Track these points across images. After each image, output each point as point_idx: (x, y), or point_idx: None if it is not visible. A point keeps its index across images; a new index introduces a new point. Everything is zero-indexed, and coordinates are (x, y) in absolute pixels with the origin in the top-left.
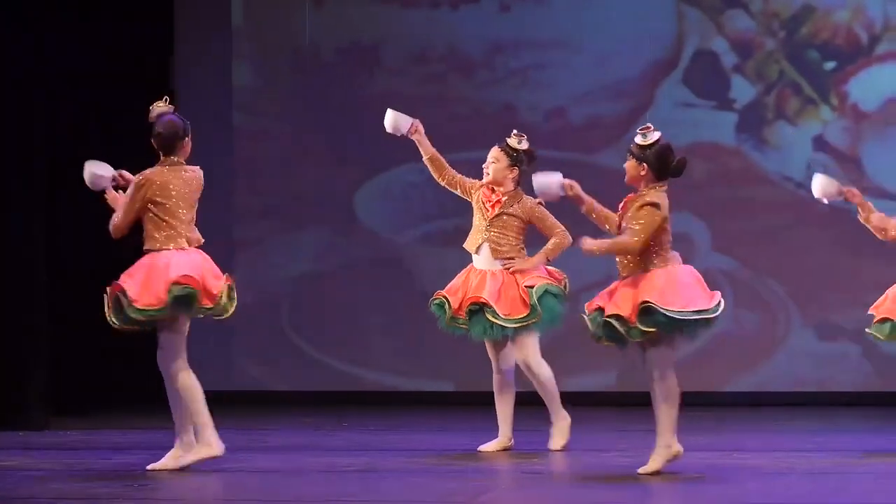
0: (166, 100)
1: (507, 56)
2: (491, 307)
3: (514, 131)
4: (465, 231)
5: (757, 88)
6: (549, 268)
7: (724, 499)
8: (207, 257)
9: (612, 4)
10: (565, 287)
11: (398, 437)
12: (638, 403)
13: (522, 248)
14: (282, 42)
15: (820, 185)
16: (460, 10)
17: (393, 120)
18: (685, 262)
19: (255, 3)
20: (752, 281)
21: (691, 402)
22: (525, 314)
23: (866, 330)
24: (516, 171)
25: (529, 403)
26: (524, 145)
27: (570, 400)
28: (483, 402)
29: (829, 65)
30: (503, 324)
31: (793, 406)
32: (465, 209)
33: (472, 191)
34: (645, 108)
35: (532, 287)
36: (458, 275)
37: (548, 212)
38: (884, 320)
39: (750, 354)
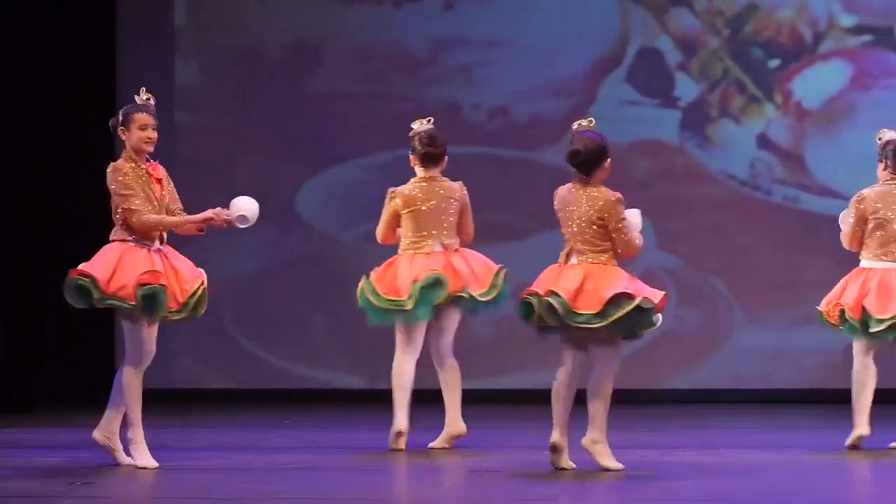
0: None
1: (451, 54)
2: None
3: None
4: None
5: (701, 86)
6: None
7: (662, 495)
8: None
9: (556, 2)
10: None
11: (340, 435)
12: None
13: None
14: (225, 40)
15: None
16: (403, 7)
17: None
18: (628, 260)
19: (198, 1)
20: (695, 279)
21: (635, 400)
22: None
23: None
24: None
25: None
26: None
27: (518, 398)
28: (427, 399)
29: (774, 63)
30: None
31: (736, 403)
32: None
33: None
34: (588, 105)
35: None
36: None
37: None
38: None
39: (693, 352)
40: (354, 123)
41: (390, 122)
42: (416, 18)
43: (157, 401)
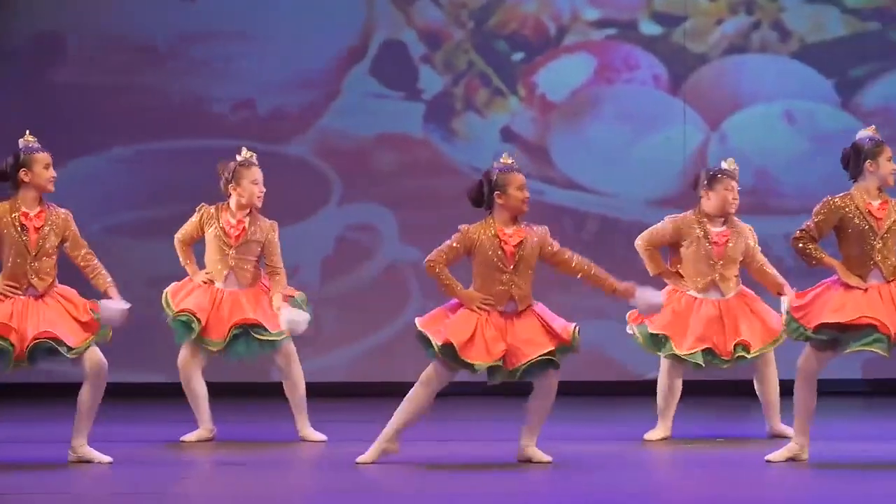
0: None
1: (196, 47)
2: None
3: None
4: (155, 222)
5: (445, 79)
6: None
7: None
8: None
9: None
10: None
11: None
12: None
13: None
14: None
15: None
16: None
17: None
18: (372, 252)
19: None
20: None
21: (363, 394)
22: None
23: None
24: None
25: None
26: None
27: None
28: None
29: (518, 56)
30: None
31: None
32: (152, 202)
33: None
34: (333, 98)
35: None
36: None
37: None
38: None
39: None
40: (101, 115)
41: (136, 114)
42: (161, 10)
43: None
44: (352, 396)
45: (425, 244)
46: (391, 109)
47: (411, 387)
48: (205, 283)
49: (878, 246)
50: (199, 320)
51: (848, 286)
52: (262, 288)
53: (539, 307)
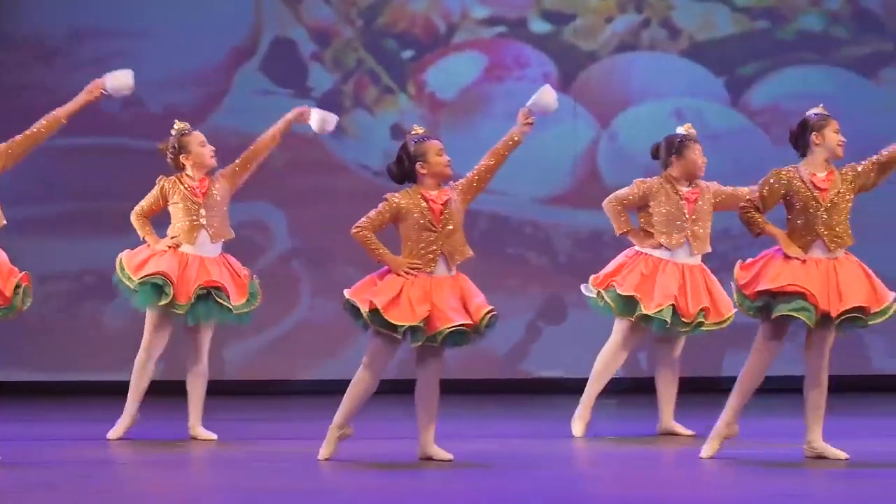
0: None
1: (85, 45)
2: None
3: None
4: (45, 220)
5: (335, 77)
6: None
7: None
8: None
9: None
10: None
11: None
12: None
13: None
14: None
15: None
16: None
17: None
18: (263, 250)
19: None
20: (329, 269)
21: (269, 391)
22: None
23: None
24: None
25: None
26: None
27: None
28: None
29: (407, 54)
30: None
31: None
32: (44, 200)
33: None
34: (223, 95)
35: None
36: None
37: None
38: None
39: (328, 342)
40: None
41: (25, 113)
42: (50, 6)
43: None
44: (245, 394)
45: (316, 242)
46: (281, 107)
47: (304, 383)
48: (170, 247)
49: (822, 217)
50: (171, 283)
51: (788, 257)
52: (227, 259)
53: (463, 278)
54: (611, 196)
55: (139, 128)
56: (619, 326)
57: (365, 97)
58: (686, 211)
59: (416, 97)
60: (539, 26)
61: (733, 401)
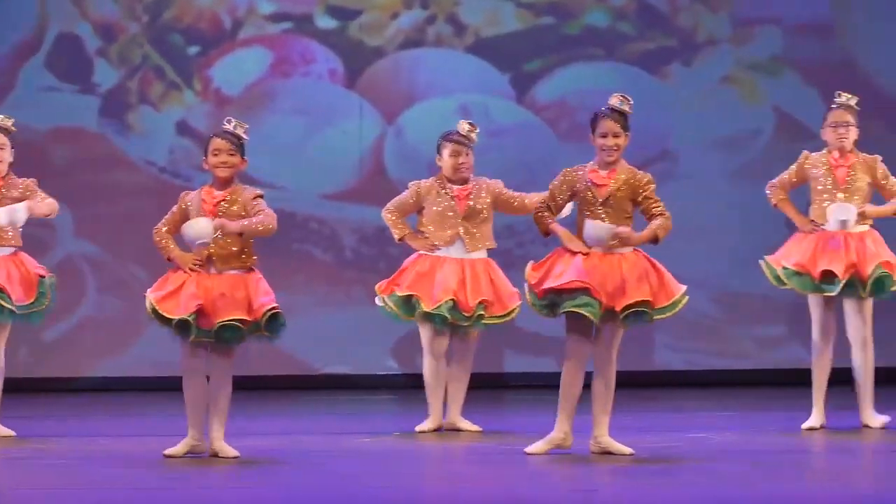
0: None
1: None
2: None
3: None
4: None
5: (120, 73)
6: None
7: None
8: None
9: None
10: None
11: None
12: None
13: None
14: None
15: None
16: None
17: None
18: (48, 247)
19: None
20: (114, 266)
21: (58, 388)
22: None
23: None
24: None
25: None
26: None
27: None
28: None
29: (193, 49)
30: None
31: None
32: None
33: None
34: (8, 91)
35: None
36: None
37: None
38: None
39: (114, 339)
40: None
41: None
42: None
43: None
44: (31, 391)
45: (101, 239)
46: (66, 103)
47: (89, 381)
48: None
49: (601, 213)
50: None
51: (573, 252)
52: (21, 259)
53: (254, 276)
54: (388, 204)
55: None
56: (422, 333)
57: (150, 93)
58: (457, 209)
59: (202, 93)
60: (325, 22)
61: (559, 404)
